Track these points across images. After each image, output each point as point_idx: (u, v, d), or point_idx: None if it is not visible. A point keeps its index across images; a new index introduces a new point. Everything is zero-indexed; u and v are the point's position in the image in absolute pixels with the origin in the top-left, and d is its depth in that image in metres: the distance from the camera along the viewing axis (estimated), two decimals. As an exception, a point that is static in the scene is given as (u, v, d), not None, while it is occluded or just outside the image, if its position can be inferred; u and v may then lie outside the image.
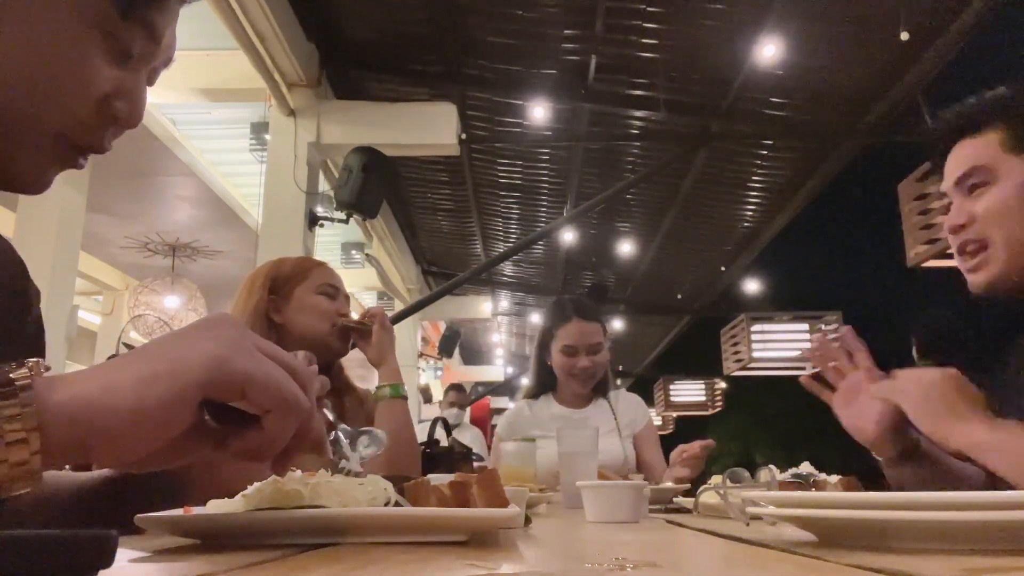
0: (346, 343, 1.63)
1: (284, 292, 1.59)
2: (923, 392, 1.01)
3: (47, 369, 0.49)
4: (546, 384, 2.37)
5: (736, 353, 8.85)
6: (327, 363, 1.65)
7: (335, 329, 1.60)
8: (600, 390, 2.35)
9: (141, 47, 0.67)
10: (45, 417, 0.46)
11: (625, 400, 2.39)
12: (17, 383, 0.46)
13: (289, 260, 1.69)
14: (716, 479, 1.17)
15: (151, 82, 0.72)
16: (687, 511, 1.37)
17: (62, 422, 0.47)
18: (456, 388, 7.19)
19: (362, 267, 9.37)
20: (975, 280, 1.09)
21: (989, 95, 1.12)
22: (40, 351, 0.79)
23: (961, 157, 1.11)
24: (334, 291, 1.63)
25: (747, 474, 1.07)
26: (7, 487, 0.45)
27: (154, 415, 0.49)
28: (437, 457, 1.73)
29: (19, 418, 0.45)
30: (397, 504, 0.74)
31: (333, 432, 0.77)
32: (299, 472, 0.77)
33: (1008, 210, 1.04)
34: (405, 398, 1.63)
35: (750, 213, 7.50)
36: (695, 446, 1.91)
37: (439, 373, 14.13)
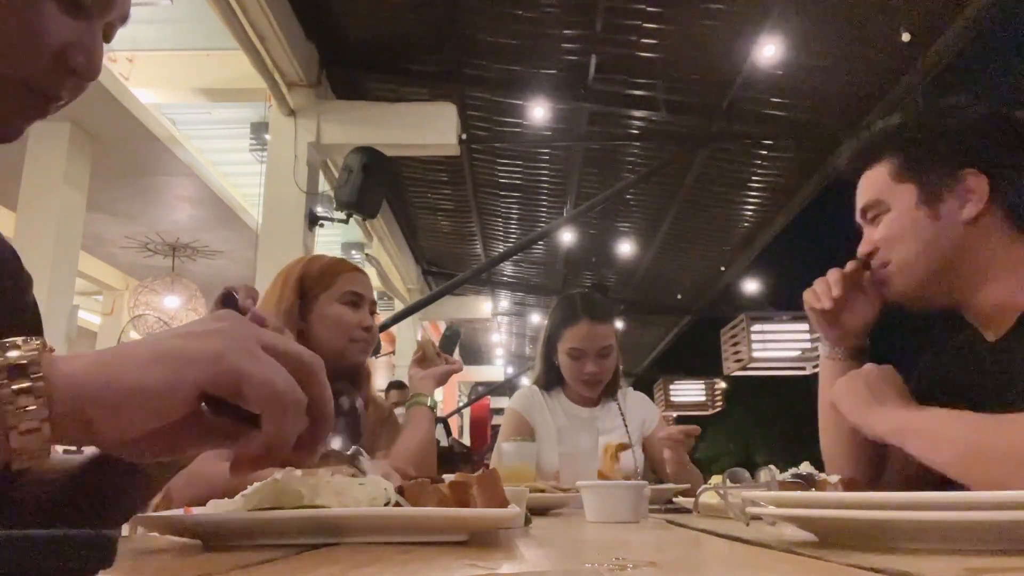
0: (364, 356, 1.61)
1: (310, 298, 1.57)
2: (849, 382, 1.08)
3: (52, 350, 0.51)
4: (553, 380, 2.26)
5: (736, 353, 8.85)
6: (352, 370, 1.64)
7: (353, 344, 1.57)
8: (609, 391, 2.26)
9: None
10: (52, 389, 0.48)
11: (633, 400, 2.31)
12: (27, 356, 0.48)
13: (319, 262, 1.63)
14: (716, 479, 1.17)
15: (108, 38, 0.74)
16: (687, 511, 1.37)
17: (68, 394, 0.48)
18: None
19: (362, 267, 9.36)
20: (886, 292, 1.19)
21: (881, 128, 1.22)
22: (38, 333, 0.80)
23: (861, 190, 1.21)
24: (358, 299, 1.59)
25: (747, 474, 1.07)
26: (19, 456, 0.47)
27: (155, 395, 0.50)
28: (438, 457, 1.75)
29: (30, 390, 0.47)
30: (397, 504, 0.74)
31: (353, 448, 0.81)
32: (299, 472, 0.77)
33: (897, 236, 1.13)
34: (433, 408, 1.70)
35: (750, 213, 7.50)
36: (675, 430, 1.89)
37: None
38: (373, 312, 1.64)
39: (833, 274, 1.21)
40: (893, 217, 1.13)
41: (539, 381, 2.29)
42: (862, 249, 1.18)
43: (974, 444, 0.87)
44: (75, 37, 0.67)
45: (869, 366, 1.09)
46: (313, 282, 1.58)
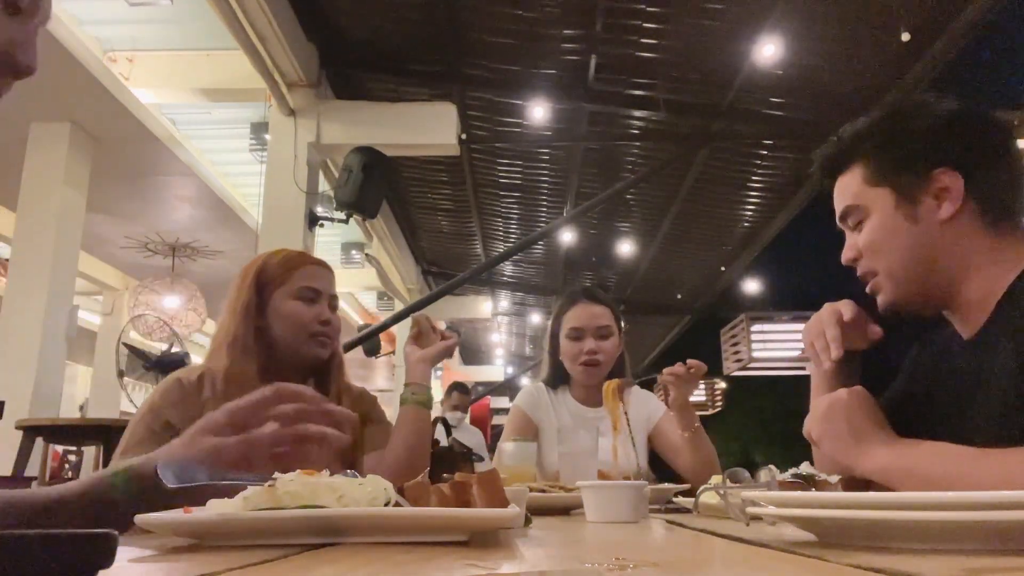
0: (326, 350, 1.57)
1: (266, 294, 1.54)
2: (823, 415, 1.05)
3: None
4: (559, 378, 2.25)
5: (736, 353, 8.86)
6: (320, 365, 1.60)
7: (312, 339, 1.54)
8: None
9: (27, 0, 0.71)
10: None
11: (637, 398, 2.25)
12: None
13: (278, 256, 1.61)
14: (716, 479, 1.17)
15: None
16: (687, 511, 1.37)
17: None
18: (459, 388, 6.53)
19: (362, 267, 9.36)
20: (878, 303, 1.16)
21: (850, 131, 1.18)
22: None
23: (837, 195, 1.19)
24: (314, 294, 1.56)
25: (747, 474, 1.07)
26: None
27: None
28: (437, 457, 1.72)
29: None
30: (397, 504, 0.74)
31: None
32: (298, 471, 0.77)
33: (880, 243, 1.12)
34: (428, 403, 1.65)
35: (750, 213, 7.51)
36: (678, 366, 1.84)
37: (439, 373, 14.15)
38: (333, 307, 1.61)
39: (831, 329, 1.18)
40: (874, 223, 1.12)
41: (547, 379, 2.27)
42: (846, 255, 1.18)
43: (959, 484, 0.87)
44: (18, 37, 0.70)
45: (843, 395, 1.06)
46: (270, 277, 1.56)
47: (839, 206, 1.18)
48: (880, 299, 1.15)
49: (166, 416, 1.37)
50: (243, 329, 1.50)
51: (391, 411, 1.79)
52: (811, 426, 1.08)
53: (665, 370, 1.89)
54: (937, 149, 1.08)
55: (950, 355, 1.14)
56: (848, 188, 1.16)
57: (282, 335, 1.52)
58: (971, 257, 1.06)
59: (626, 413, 2.19)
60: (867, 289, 1.17)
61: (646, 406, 2.24)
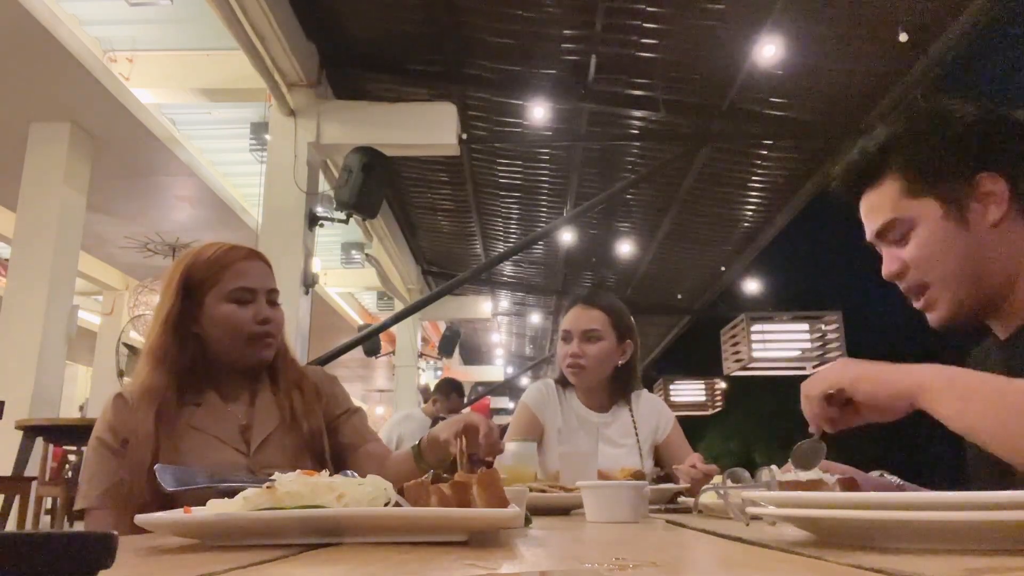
0: (269, 351, 1.48)
1: (197, 298, 1.43)
2: (859, 374, 0.97)
3: None
4: (566, 381, 2.21)
5: (736, 353, 8.85)
6: (267, 367, 1.51)
7: (252, 342, 1.44)
8: (621, 393, 2.20)
9: None
10: None
11: (646, 405, 2.24)
12: None
13: (205, 255, 1.47)
14: (716, 479, 1.17)
15: None
16: (687, 511, 1.37)
17: None
18: (457, 390, 5.77)
19: (362, 267, 9.37)
20: (932, 319, 1.13)
21: (873, 143, 1.15)
22: None
23: (872, 211, 1.16)
24: (249, 295, 1.45)
25: (747, 474, 1.07)
26: None
27: None
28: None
29: None
30: (397, 504, 0.74)
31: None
32: (298, 471, 0.77)
33: (933, 254, 1.09)
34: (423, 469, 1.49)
35: (750, 213, 7.50)
36: (697, 468, 1.71)
37: (439, 373, 14.17)
38: (272, 302, 1.49)
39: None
40: (923, 234, 1.08)
41: (556, 379, 2.25)
42: (889, 269, 1.13)
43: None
44: None
45: (842, 362, 1.01)
46: (199, 281, 1.44)
47: (875, 222, 1.14)
48: (934, 315, 1.11)
49: (122, 434, 1.35)
50: (165, 340, 1.41)
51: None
52: (846, 381, 0.97)
53: (681, 467, 1.75)
54: (977, 154, 1.07)
55: (986, 356, 1.14)
56: (884, 203, 1.12)
57: (220, 340, 1.44)
58: (1018, 259, 1.06)
59: (634, 418, 2.19)
60: (918, 305, 1.13)
61: (657, 415, 2.21)
